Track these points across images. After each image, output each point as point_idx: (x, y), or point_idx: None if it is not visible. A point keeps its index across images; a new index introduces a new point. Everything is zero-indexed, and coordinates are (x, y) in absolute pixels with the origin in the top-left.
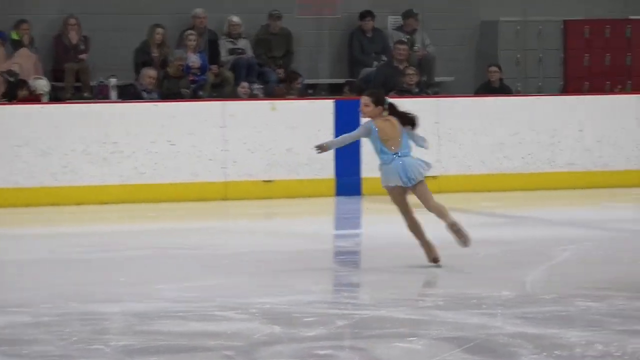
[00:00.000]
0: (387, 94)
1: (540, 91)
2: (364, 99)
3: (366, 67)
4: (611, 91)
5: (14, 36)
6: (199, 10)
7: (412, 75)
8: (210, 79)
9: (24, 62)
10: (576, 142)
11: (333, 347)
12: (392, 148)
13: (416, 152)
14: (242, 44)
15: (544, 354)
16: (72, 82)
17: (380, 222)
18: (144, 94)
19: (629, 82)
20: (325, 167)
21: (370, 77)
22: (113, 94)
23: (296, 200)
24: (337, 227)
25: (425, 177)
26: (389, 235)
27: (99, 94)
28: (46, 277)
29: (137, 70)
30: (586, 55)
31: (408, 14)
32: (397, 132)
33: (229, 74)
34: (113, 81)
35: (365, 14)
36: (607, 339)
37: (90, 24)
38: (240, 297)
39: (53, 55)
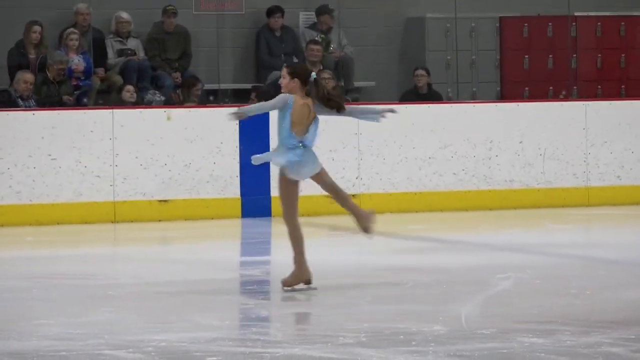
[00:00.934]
0: None
1: (474, 98)
2: (283, 71)
3: (275, 71)
4: (555, 98)
5: None
6: (82, 6)
7: (327, 80)
8: (95, 84)
9: None
10: (516, 156)
11: None
12: (297, 134)
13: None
14: (133, 44)
15: None
16: None
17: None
18: (20, 102)
19: (574, 87)
20: (230, 185)
21: (279, 82)
22: None
23: (196, 222)
24: (244, 253)
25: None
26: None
27: None
28: None
29: (12, 75)
30: (526, 56)
31: (322, 10)
32: (308, 120)
33: (117, 79)
34: None
35: (274, 10)
36: None
37: None
38: (133, 334)
39: None
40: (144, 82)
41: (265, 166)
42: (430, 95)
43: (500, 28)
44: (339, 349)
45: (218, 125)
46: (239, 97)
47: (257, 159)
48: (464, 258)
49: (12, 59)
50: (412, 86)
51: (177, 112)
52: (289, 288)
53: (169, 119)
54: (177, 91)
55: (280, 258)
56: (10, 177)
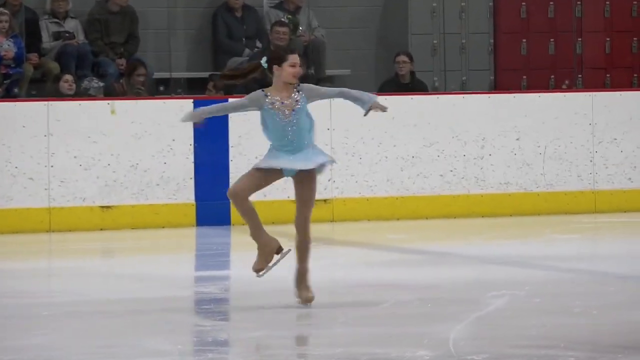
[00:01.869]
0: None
1: (464, 88)
2: (296, 59)
3: (235, 57)
4: (557, 88)
5: None
6: None
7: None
8: (28, 71)
9: None
10: (512, 156)
11: None
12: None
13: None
14: (71, 25)
15: None
16: None
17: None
18: None
19: (579, 76)
20: (183, 188)
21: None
22: None
23: (144, 231)
24: (199, 267)
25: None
26: (265, 278)
27: None
28: None
29: None
30: (523, 40)
31: None
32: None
33: (53, 66)
34: None
35: None
36: None
37: None
38: None
39: None
40: (83, 70)
41: (223, 166)
42: (413, 85)
43: (494, 8)
44: None
45: (169, 120)
46: (193, 87)
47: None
48: (451, 272)
49: None
50: (393, 75)
51: (122, 105)
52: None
53: (113, 112)
54: (121, 80)
55: (240, 272)
56: None
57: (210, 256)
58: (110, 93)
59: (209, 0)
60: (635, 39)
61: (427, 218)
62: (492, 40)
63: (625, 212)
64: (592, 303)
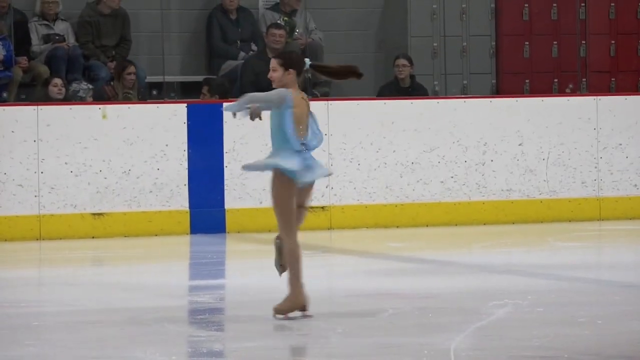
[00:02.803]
0: None
1: (465, 92)
2: (272, 62)
3: (230, 60)
4: (561, 92)
5: None
6: None
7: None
8: (17, 75)
9: None
10: (514, 162)
11: None
12: (300, 134)
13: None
14: (61, 28)
15: None
16: None
17: (250, 268)
18: None
19: (584, 79)
20: (177, 195)
21: (235, 73)
22: None
23: (137, 240)
24: (193, 276)
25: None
26: (262, 286)
27: None
28: None
29: None
30: (526, 43)
31: None
32: (307, 117)
33: (43, 69)
34: None
35: None
36: None
37: None
38: None
39: None
40: (74, 74)
41: (218, 172)
42: (413, 89)
43: (495, 10)
44: None
45: (162, 125)
46: (187, 91)
47: (250, 167)
48: (452, 281)
49: None
50: (392, 78)
51: (114, 110)
52: (281, 316)
53: (104, 117)
54: (111, 83)
55: (236, 282)
56: None
57: (205, 265)
58: (100, 96)
59: (203, 2)
60: None
61: (427, 226)
62: (493, 43)
63: (630, 219)
64: (597, 313)
